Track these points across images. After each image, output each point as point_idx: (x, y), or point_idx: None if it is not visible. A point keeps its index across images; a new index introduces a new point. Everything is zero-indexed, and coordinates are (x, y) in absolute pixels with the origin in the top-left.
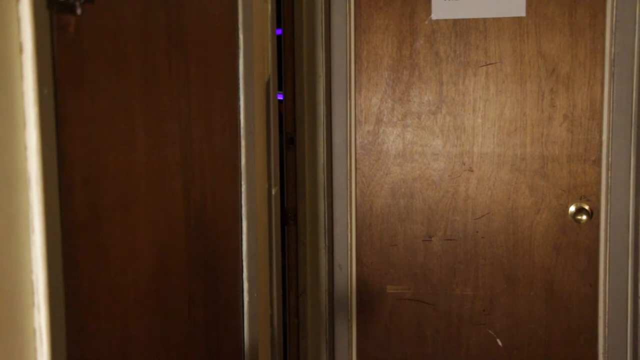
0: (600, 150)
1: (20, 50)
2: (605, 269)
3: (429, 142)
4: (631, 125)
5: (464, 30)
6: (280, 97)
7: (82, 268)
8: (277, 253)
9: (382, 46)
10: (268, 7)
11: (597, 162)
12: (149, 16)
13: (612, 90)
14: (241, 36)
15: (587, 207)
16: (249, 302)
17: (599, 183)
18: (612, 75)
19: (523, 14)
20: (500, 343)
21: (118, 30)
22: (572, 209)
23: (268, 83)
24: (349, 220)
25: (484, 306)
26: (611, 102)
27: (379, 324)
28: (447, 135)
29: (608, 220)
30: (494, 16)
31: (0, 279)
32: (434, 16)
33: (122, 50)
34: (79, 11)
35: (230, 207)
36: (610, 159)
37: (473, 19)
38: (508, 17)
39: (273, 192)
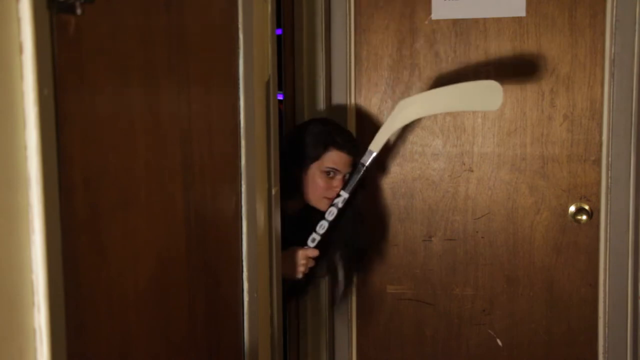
0: (600, 150)
1: (20, 50)
2: (605, 269)
3: (428, 142)
4: (631, 125)
5: (464, 30)
6: (280, 97)
7: (82, 268)
8: (277, 253)
9: (382, 46)
10: (268, 7)
11: (597, 162)
12: (149, 16)
13: (612, 90)
14: (241, 36)
15: (587, 207)
16: (249, 302)
17: (599, 183)
18: (612, 75)
19: (523, 14)
20: (500, 343)
21: (118, 30)
22: (572, 209)
23: (268, 83)
24: None
25: (484, 306)
26: (611, 102)
27: (379, 324)
28: (447, 135)
29: (608, 220)
30: (494, 16)
31: (0, 279)
32: (434, 16)
33: (122, 50)
34: (79, 11)
35: (230, 207)
36: (610, 159)
37: (473, 19)
38: (508, 17)
39: (273, 192)
